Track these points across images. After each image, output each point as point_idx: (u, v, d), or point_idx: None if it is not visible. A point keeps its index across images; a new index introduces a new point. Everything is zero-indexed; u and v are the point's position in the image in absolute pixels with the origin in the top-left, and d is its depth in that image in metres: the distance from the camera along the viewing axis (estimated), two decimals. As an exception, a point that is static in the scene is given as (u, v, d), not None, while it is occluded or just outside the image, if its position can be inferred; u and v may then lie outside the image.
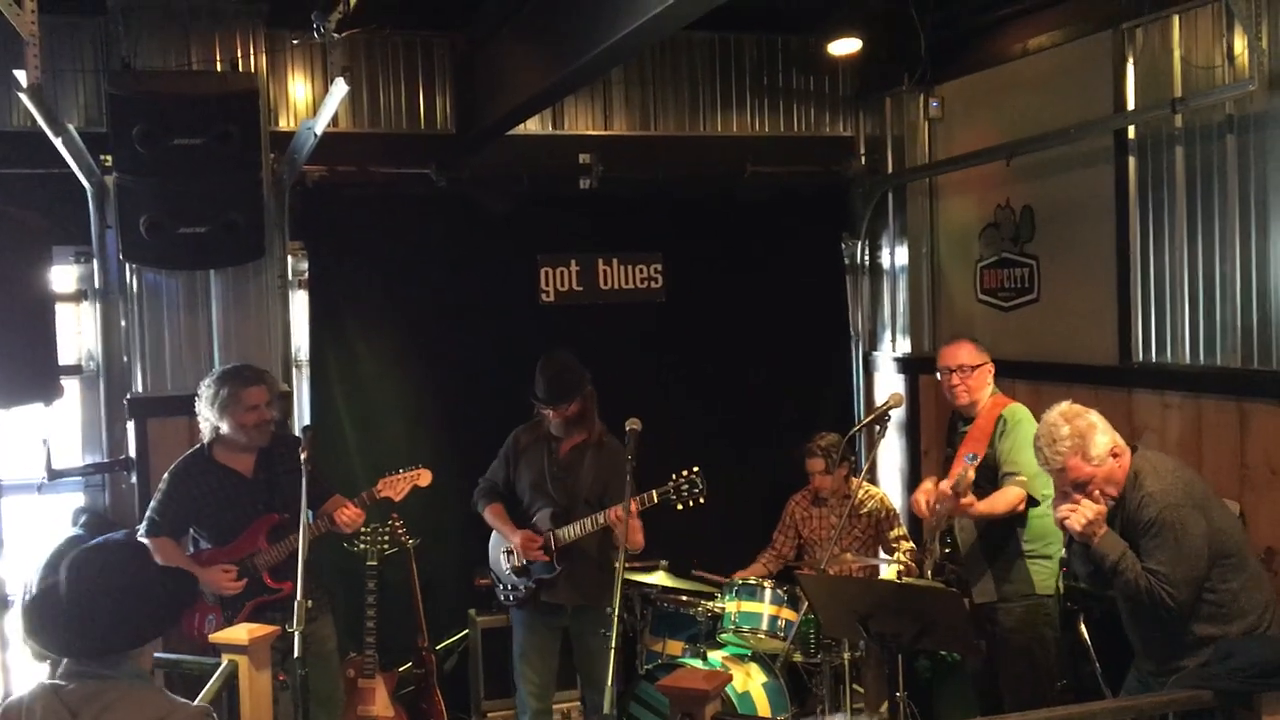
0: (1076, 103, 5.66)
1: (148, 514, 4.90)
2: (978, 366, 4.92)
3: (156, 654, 3.04)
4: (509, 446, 5.29)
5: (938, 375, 5.10)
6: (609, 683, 4.23)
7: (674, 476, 4.84)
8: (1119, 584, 3.72)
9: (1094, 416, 3.79)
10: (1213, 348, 5.05)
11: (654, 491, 4.82)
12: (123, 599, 2.67)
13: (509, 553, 5.18)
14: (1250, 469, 4.85)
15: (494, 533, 5.31)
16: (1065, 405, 3.86)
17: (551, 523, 5.07)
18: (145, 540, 4.79)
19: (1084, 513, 3.71)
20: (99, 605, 2.65)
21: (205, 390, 4.88)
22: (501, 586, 5.30)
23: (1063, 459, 3.73)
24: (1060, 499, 3.84)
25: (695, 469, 4.85)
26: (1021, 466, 4.65)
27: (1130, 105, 5.38)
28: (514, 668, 5.34)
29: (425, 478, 5.05)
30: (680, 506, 4.85)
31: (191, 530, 4.94)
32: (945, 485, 4.63)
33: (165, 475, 4.93)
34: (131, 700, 2.62)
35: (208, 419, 4.88)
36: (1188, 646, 3.70)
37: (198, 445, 4.98)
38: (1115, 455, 3.76)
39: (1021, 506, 4.69)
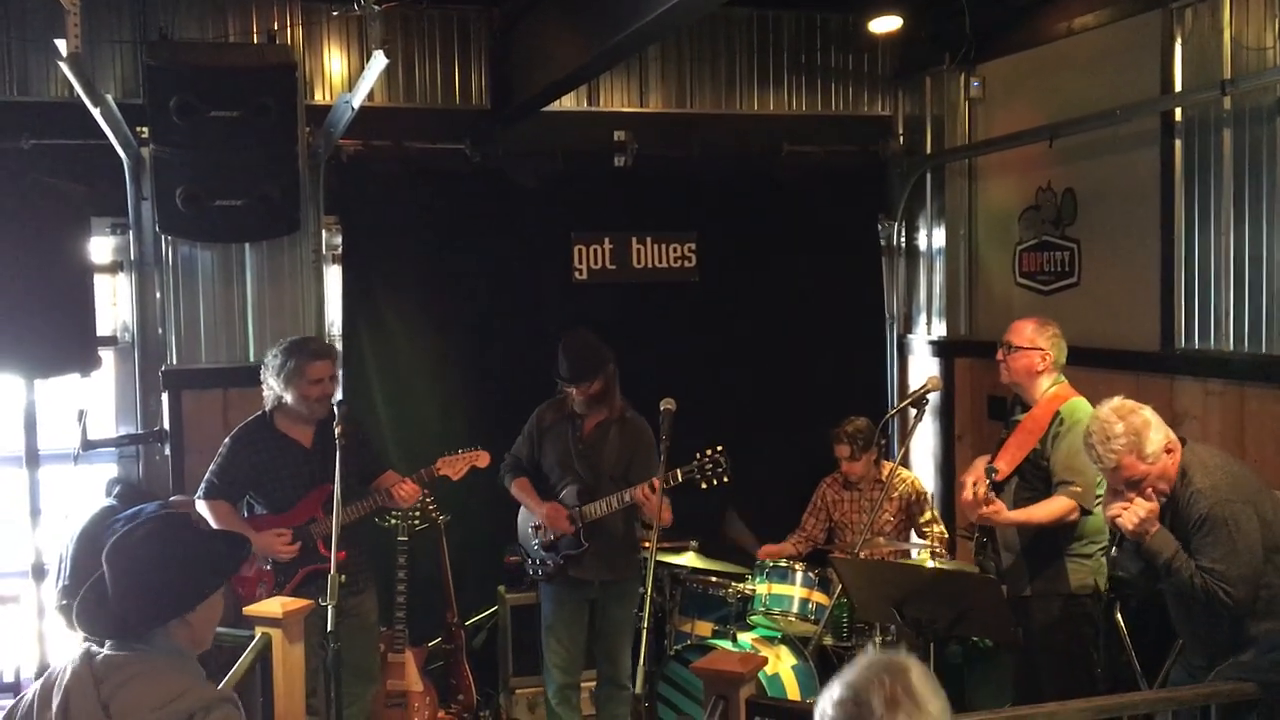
0: (1122, 84, 5.56)
1: (207, 476, 4.94)
2: (1021, 349, 4.67)
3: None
4: (532, 424, 5.30)
5: None
6: (640, 662, 4.21)
7: (698, 455, 4.83)
8: (1173, 583, 3.64)
9: (1148, 413, 3.69)
10: (1257, 334, 4.96)
11: (678, 470, 4.81)
12: (156, 574, 2.66)
13: (537, 527, 5.20)
14: (1294, 458, 4.77)
15: (521, 507, 5.31)
16: (1117, 401, 3.74)
17: (578, 499, 5.08)
18: (202, 502, 4.88)
19: (1136, 511, 3.63)
20: (140, 584, 2.65)
21: (272, 360, 4.92)
22: (530, 561, 5.31)
23: (1117, 458, 3.64)
24: (1111, 496, 3.76)
25: (719, 448, 4.83)
26: (1076, 474, 4.44)
27: (1178, 87, 5.28)
28: (541, 641, 5.35)
29: (484, 459, 5.09)
30: (705, 485, 4.84)
31: (248, 497, 4.98)
32: (966, 494, 4.53)
33: (226, 440, 4.98)
34: (154, 675, 2.62)
35: (272, 388, 4.91)
36: (1240, 642, 3.63)
37: (259, 413, 5.02)
38: (1169, 452, 3.67)
39: (1074, 517, 4.48)
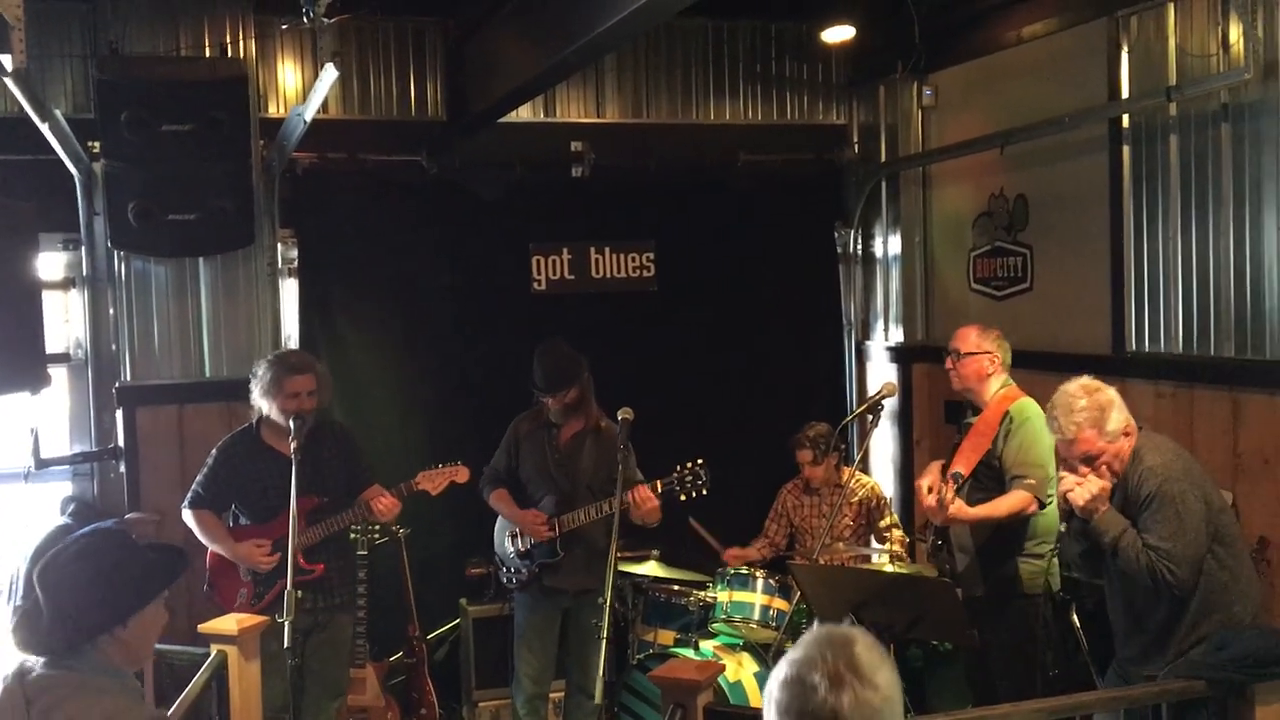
0: (1071, 91, 5.64)
1: (193, 486, 4.93)
2: (970, 354, 4.78)
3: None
4: (510, 434, 5.31)
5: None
6: (600, 673, 4.21)
7: (678, 468, 4.85)
8: (1119, 562, 3.67)
9: (1112, 393, 3.76)
10: (1206, 337, 5.04)
11: (658, 481, 4.83)
12: (82, 590, 2.66)
13: (514, 536, 5.19)
14: (1243, 459, 4.85)
15: (499, 517, 5.30)
16: (1085, 379, 3.80)
17: (556, 509, 5.09)
18: (188, 511, 4.88)
19: (1090, 487, 3.67)
20: (67, 600, 2.65)
21: (257, 371, 4.93)
22: (505, 570, 5.30)
23: (1076, 429, 3.68)
24: (1064, 470, 3.80)
25: (699, 460, 4.86)
26: (1030, 469, 4.53)
27: (1125, 93, 5.36)
28: (513, 651, 5.34)
29: (463, 474, 5.06)
30: (684, 497, 4.86)
31: (233, 507, 4.97)
32: (931, 500, 4.57)
33: (213, 450, 4.98)
34: (85, 695, 2.61)
35: (256, 400, 4.90)
36: (1175, 633, 3.68)
37: (246, 424, 5.01)
38: (1126, 435, 3.73)
39: (1031, 509, 4.55)
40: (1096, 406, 3.69)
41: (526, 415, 5.30)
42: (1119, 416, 3.72)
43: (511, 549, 5.23)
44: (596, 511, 4.97)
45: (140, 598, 2.75)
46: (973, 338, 4.81)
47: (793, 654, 1.91)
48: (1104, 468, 3.72)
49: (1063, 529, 3.97)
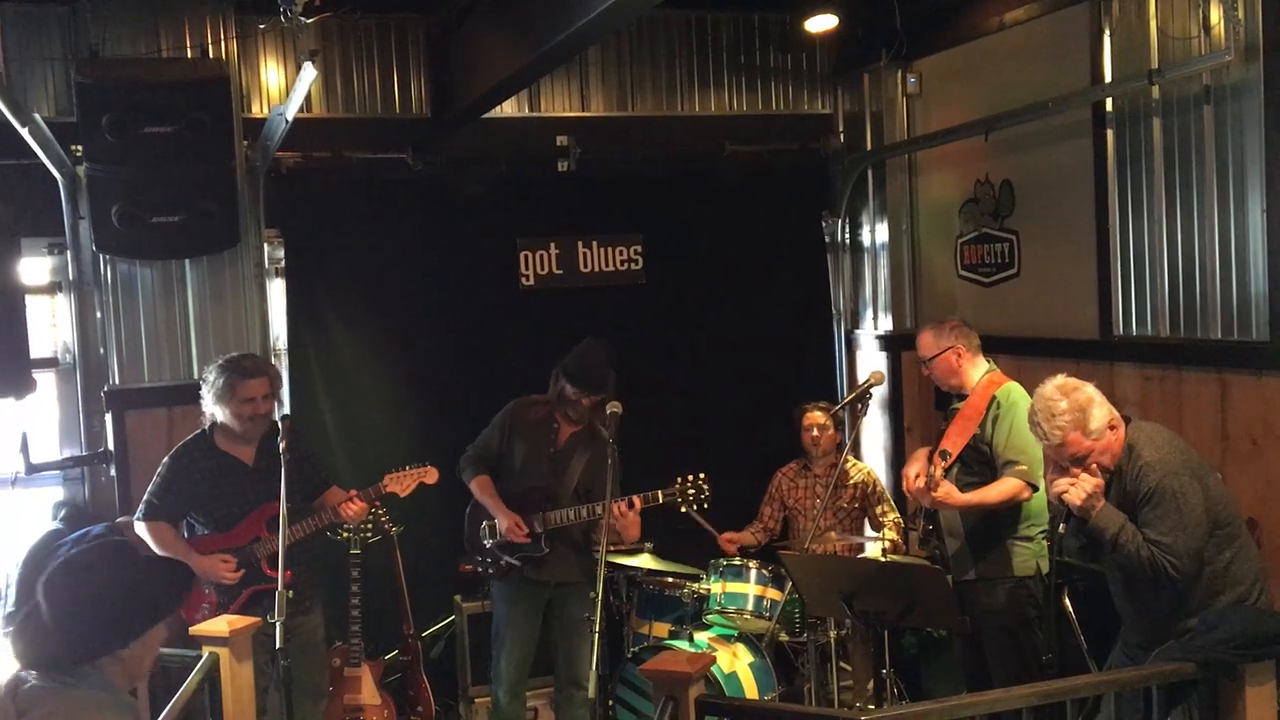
0: (1054, 76, 5.64)
1: (145, 497, 4.82)
2: (935, 357, 4.79)
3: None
4: (507, 416, 5.23)
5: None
6: (593, 666, 4.21)
7: (679, 480, 4.84)
8: (1120, 557, 3.67)
9: (1091, 390, 3.74)
10: (1193, 320, 5.04)
11: (659, 492, 4.82)
12: (93, 609, 2.62)
13: (491, 527, 5.15)
14: (1231, 440, 4.86)
15: (473, 503, 5.25)
16: (1061, 379, 3.78)
17: (543, 505, 5.05)
18: (142, 524, 4.77)
19: (1083, 486, 3.66)
20: (74, 617, 2.61)
21: (208, 376, 4.84)
22: (480, 559, 5.25)
23: (1062, 434, 3.67)
24: (1055, 473, 3.79)
25: (702, 475, 4.85)
26: (1020, 453, 4.52)
27: (1107, 77, 5.36)
28: (493, 642, 5.30)
29: (432, 475, 4.99)
30: (684, 509, 4.85)
31: (188, 516, 4.88)
32: (920, 482, 4.57)
33: (165, 459, 4.87)
34: (79, 711, 2.58)
35: (208, 406, 4.83)
36: (1179, 618, 3.67)
37: (199, 431, 4.92)
38: (1112, 428, 3.71)
39: (1026, 495, 4.54)
40: (1077, 407, 3.68)
41: (532, 402, 5.22)
42: (1100, 413, 3.70)
43: (488, 540, 5.16)
44: (588, 513, 4.94)
45: (146, 620, 2.71)
46: (929, 340, 4.84)
47: None
48: (1094, 465, 3.71)
49: (1062, 528, 3.95)
